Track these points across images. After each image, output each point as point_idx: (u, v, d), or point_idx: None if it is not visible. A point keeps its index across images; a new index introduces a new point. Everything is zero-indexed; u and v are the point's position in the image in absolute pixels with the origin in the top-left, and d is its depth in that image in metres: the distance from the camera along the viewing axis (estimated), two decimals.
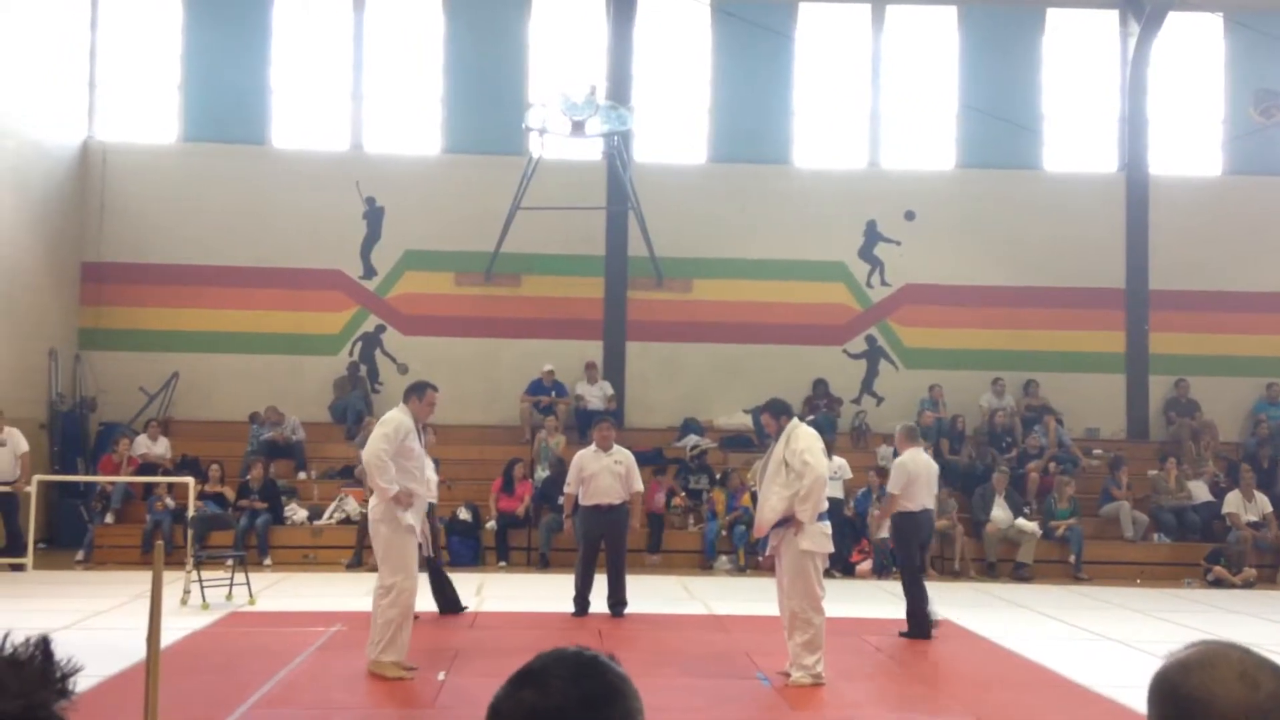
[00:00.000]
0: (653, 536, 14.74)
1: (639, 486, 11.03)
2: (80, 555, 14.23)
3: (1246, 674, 1.50)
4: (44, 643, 1.29)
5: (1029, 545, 15.02)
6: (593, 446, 11.03)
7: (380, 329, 17.50)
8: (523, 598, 11.39)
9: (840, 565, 14.47)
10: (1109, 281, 18.11)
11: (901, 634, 9.88)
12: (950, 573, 14.90)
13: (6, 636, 1.31)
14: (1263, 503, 15.63)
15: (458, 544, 14.60)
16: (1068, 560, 15.10)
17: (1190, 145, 18.63)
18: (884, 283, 18.05)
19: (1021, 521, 15.22)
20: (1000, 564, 15.07)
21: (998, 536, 15.18)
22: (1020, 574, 14.85)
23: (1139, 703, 1.63)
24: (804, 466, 7.81)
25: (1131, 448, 17.39)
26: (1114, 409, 18.03)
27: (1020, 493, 15.84)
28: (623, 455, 10.92)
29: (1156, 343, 18.07)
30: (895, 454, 10.78)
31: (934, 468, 10.44)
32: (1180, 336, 18.00)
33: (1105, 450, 17.11)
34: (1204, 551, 15.13)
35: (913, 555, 10.21)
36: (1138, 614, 11.96)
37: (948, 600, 12.38)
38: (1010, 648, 9.46)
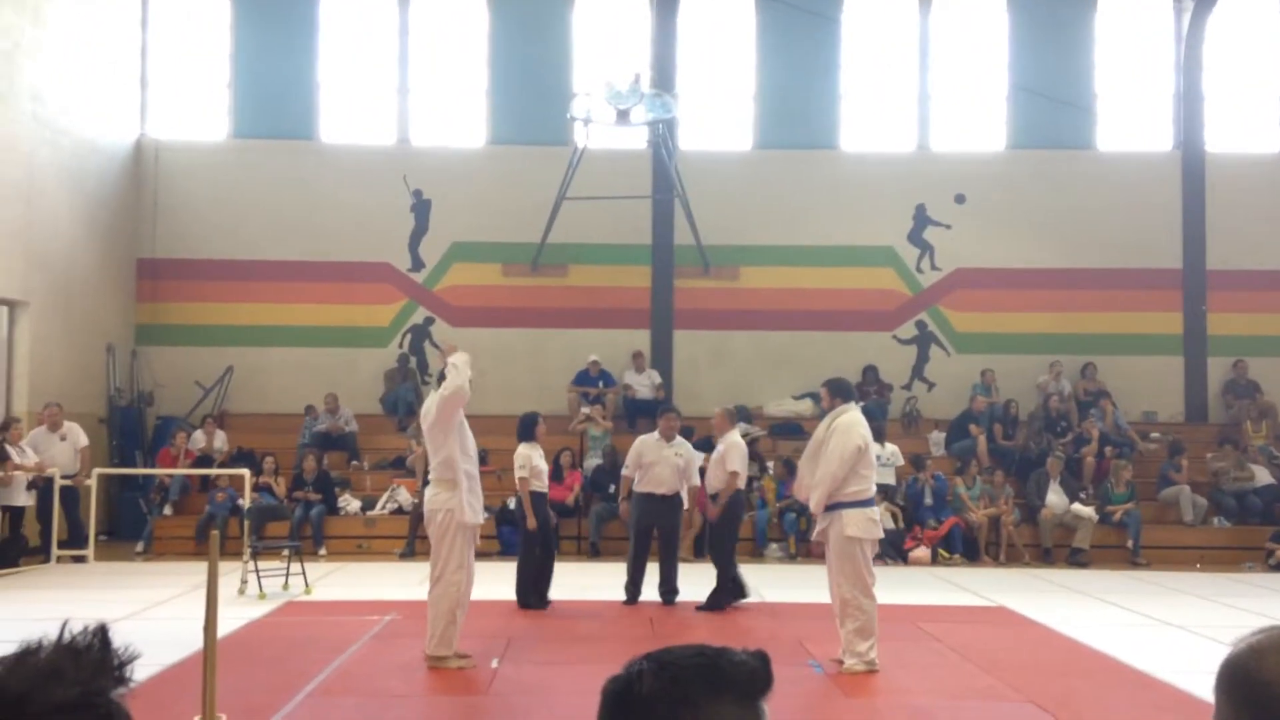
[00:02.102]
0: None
1: (697, 480, 10.91)
2: (140, 547, 14.48)
3: None
4: (102, 630, 1.30)
5: (1085, 530, 14.82)
6: (655, 434, 10.97)
7: (429, 321, 17.61)
8: (573, 586, 11.41)
9: (894, 551, 14.38)
10: (1165, 262, 17.79)
11: (700, 608, 10.21)
12: (1006, 558, 14.73)
13: (65, 624, 1.32)
14: None
15: (508, 534, 14.63)
16: (1125, 545, 14.88)
17: (1247, 122, 18.23)
18: (934, 267, 17.85)
19: (1078, 506, 15.02)
20: (1056, 550, 14.87)
21: (1053, 522, 14.99)
22: (1077, 559, 14.65)
23: (1200, 688, 1.59)
24: (829, 452, 7.80)
25: (1190, 430, 17.08)
26: (1172, 391, 17.72)
27: (1076, 477, 15.63)
28: (684, 448, 10.87)
29: (1214, 323, 17.72)
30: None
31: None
32: (1238, 317, 17.63)
33: (1163, 433, 16.82)
34: (1266, 535, 14.84)
35: (736, 532, 10.71)
36: (1198, 599, 11.76)
37: (1004, 586, 12.27)
38: (1068, 634, 9.33)
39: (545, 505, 10.70)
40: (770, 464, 15.66)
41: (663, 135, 16.38)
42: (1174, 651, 8.68)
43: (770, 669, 1.44)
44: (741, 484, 10.78)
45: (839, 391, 8.23)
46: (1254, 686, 1.45)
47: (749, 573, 12.79)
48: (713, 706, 1.38)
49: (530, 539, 10.39)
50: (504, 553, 14.28)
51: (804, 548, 14.16)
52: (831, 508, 7.88)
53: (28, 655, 1.27)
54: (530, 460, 10.42)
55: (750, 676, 1.42)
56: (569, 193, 16.42)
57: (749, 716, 1.41)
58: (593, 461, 15.73)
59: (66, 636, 1.29)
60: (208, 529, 14.31)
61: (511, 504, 14.90)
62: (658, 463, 10.73)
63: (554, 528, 11.38)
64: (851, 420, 8.02)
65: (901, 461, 15.29)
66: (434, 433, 7.75)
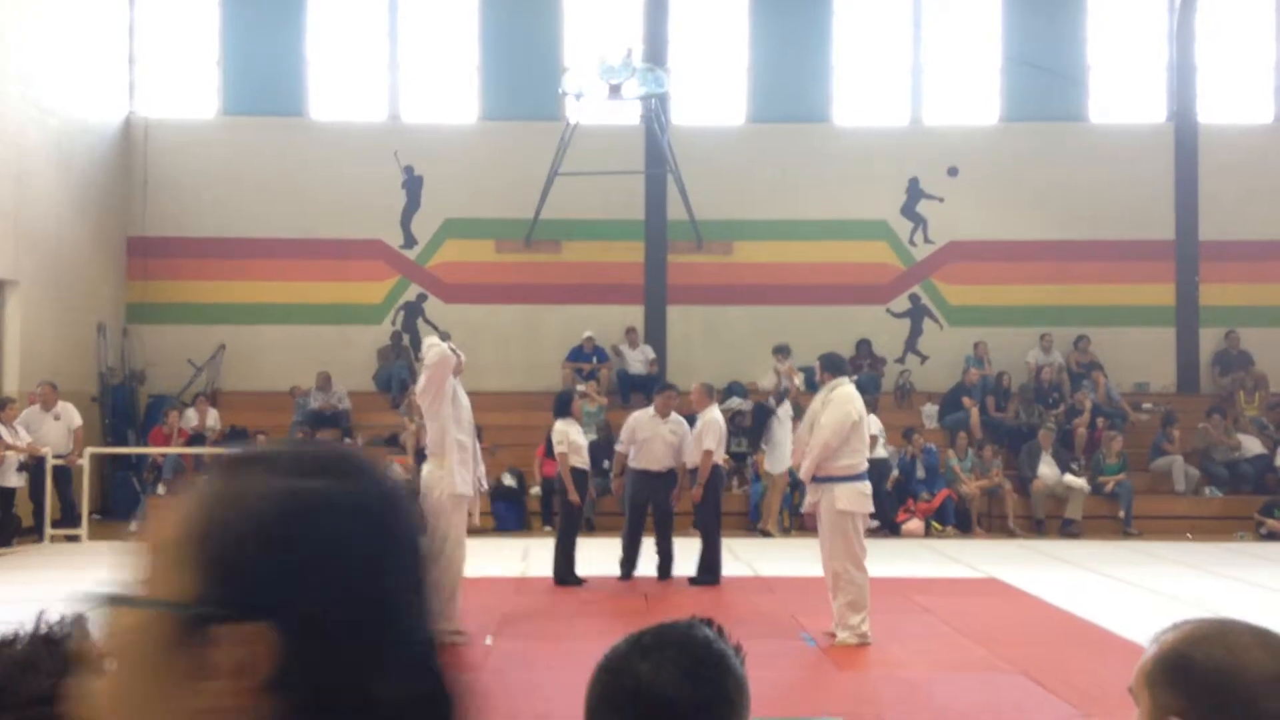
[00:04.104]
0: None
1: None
2: (134, 526, 14.48)
3: (1264, 641, 1.46)
4: (80, 621, 1.30)
5: (1077, 501, 14.89)
6: (650, 410, 10.98)
7: (422, 298, 17.58)
8: None
9: (887, 525, 14.44)
10: (1158, 233, 17.79)
11: (693, 581, 10.32)
12: (999, 530, 14.81)
13: (40, 615, 1.32)
14: None
15: (503, 509, 14.71)
16: (1117, 516, 14.96)
17: (1240, 92, 18.18)
18: (927, 240, 17.84)
19: (1069, 478, 15.08)
20: (1049, 521, 14.94)
21: (1045, 493, 15.06)
22: (1069, 530, 14.73)
23: None
24: (821, 423, 7.85)
25: (1182, 401, 17.14)
26: (1164, 362, 17.76)
27: (1068, 449, 15.69)
28: (679, 425, 10.88)
29: (1207, 294, 17.73)
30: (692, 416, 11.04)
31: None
32: (1231, 287, 17.65)
33: (1155, 404, 16.87)
34: (1256, 504, 14.92)
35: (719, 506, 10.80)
36: (1189, 568, 11.83)
37: (996, 557, 12.34)
38: (1060, 604, 9.39)
39: (586, 481, 10.80)
40: (739, 440, 15.66)
41: (655, 110, 16.31)
42: (1165, 621, 8.72)
43: (737, 646, 1.46)
44: (719, 460, 10.79)
45: (832, 366, 8.27)
46: (1201, 676, 1.44)
47: (743, 546, 12.87)
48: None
49: (570, 515, 10.45)
50: (499, 529, 14.34)
51: (797, 521, 14.21)
52: (823, 481, 7.92)
53: (3, 647, 1.27)
54: (569, 436, 10.51)
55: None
56: (562, 168, 16.36)
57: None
58: (588, 437, 15.70)
59: (43, 627, 1.29)
60: None
61: (509, 481, 14.97)
62: (652, 439, 10.75)
63: (591, 504, 11.53)
64: (845, 394, 8.06)
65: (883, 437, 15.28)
66: (424, 400, 7.77)
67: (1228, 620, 1.53)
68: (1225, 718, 1.42)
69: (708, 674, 1.41)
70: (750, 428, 15.45)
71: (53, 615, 1.32)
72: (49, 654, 1.28)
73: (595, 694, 1.44)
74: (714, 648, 1.45)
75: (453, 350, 7.76)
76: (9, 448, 12.98)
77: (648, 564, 10.67)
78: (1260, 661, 1.44)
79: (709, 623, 1.49)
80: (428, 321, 17.45)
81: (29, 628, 1.32)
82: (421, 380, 7.86)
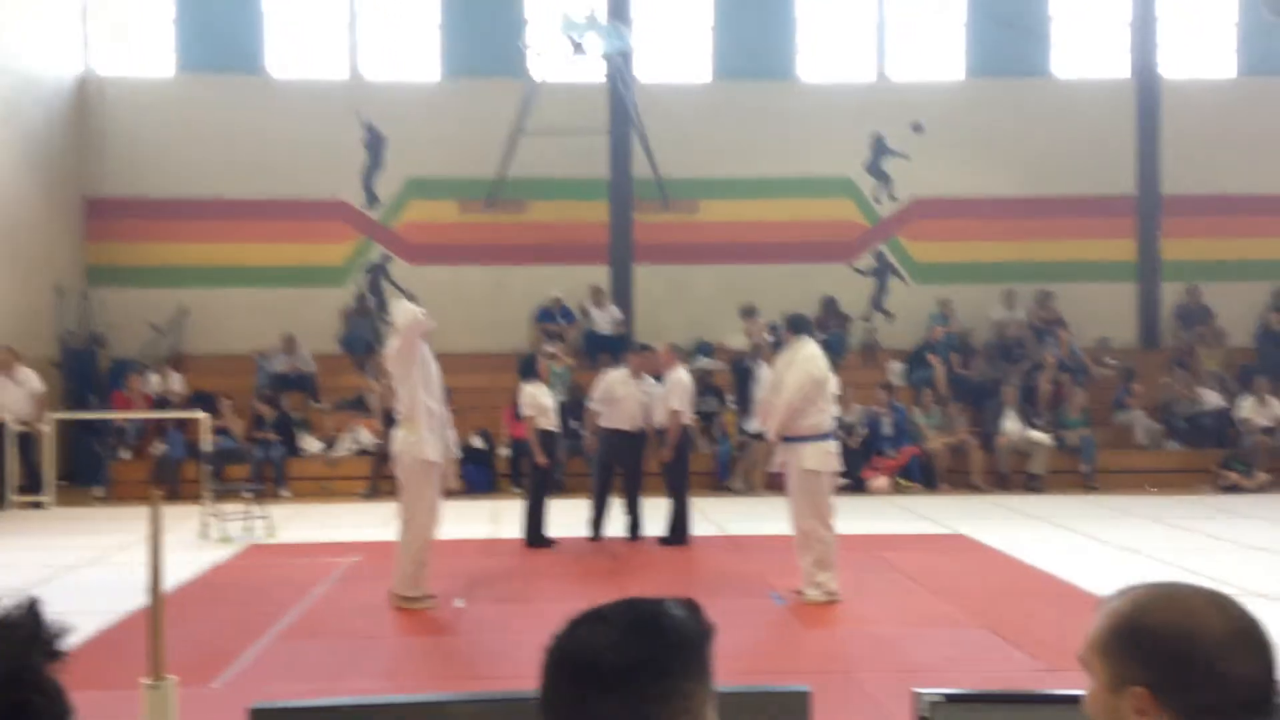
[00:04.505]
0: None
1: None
2: (99, 491, 14.37)
3: (1214, 602, 1.48)
4: (32, 605, 1.28)
5: (1040, 456, 15.07)
6: (624, 370, 10.97)
7: (386, 259, 17.43)
8: None
9: (853, 481, 14.55)
10: (1120, 189, 17.90)
11: (663, 541, 10.37)
12: (964, 486, 14.97)
13: None
14: (1275, 407, 15.61)
15: (472, 471, 14.67)
16: (1079, 470, 15.15)
17: (1202, 48, 18.25)
18: (892, 198, 17.86)
19: (1033, 432, 15.25)
20: (1013, 475, 15.12)
21: (1009, 448, 15.22)
22: (1033, 485, 14.91)
23: None
24: (786, 383, 7.89)
25: (1143, 356, 17.34)
26: (1125, 318, 17.94)
27: (1031, 404, 15.85)
28: (651, 386, 10.87)
29: (1168, 249, 17.90)
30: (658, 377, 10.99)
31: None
32: (1192, 242, 17.82)
33: (1117, 359, 17.06)
34: (1216, 458, 15.16)
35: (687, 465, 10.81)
36: (1151, 521, 12.03)
37: (962, 513, 12.49)
38: (1025, 559, 9.52)
39: (554, 443, 10.80)
40: (730, 398, 15.73)
41: (619, 67, 16.16)
42: (1128, 574, 8.87)
43: (703, 620, 1.45)
44: (687, 420, 10.84)
45: (795, 325, 8.30)
46: (1159, 641, 1.45)
47: (712, 506, 12.95)
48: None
49: (540, 477, 10.45)
50: (468, 491, 14.32)
51: (764, 477, 14.28)
52: (789, 440, 7.96)
53: None
54: (536, 398, 10.52)
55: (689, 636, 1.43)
56: (526, 127, 16.20)
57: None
58: (556, 398, 15.69)
59: None
60: (162, 471, 14.25)
61: (477, 442, 14.94)
62: (625, 399, 10.75)
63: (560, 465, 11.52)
64: (809, 354, 8.09)
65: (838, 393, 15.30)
66: (395, 365, 7.72)
67: (1175, 584, 1.54)
68: (1186, 682, 1.43)
69: (641, 639, 1.39)
70: (735, 387, 15.56)
71: (6, 600, 1.30)
72: (3, 640, 1.27)
73: (544, 659, 1.44)
74: (660, 615, 1.42)
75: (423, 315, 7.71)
76: None
77: (618, 525, 10.71)
78: (1215, 622, 1.45)
79: (688, 603, 1.47)
80: (392, 283, 17.30)
81: None
82: (393, 344, 7.79)
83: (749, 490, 14.55)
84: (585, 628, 1.43)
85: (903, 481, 14.97)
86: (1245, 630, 1.45)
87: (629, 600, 1.47)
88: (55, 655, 1.30)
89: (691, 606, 1.48)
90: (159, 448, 14.60)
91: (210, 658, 6.40)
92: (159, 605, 3.75)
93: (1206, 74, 18.17)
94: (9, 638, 1.27)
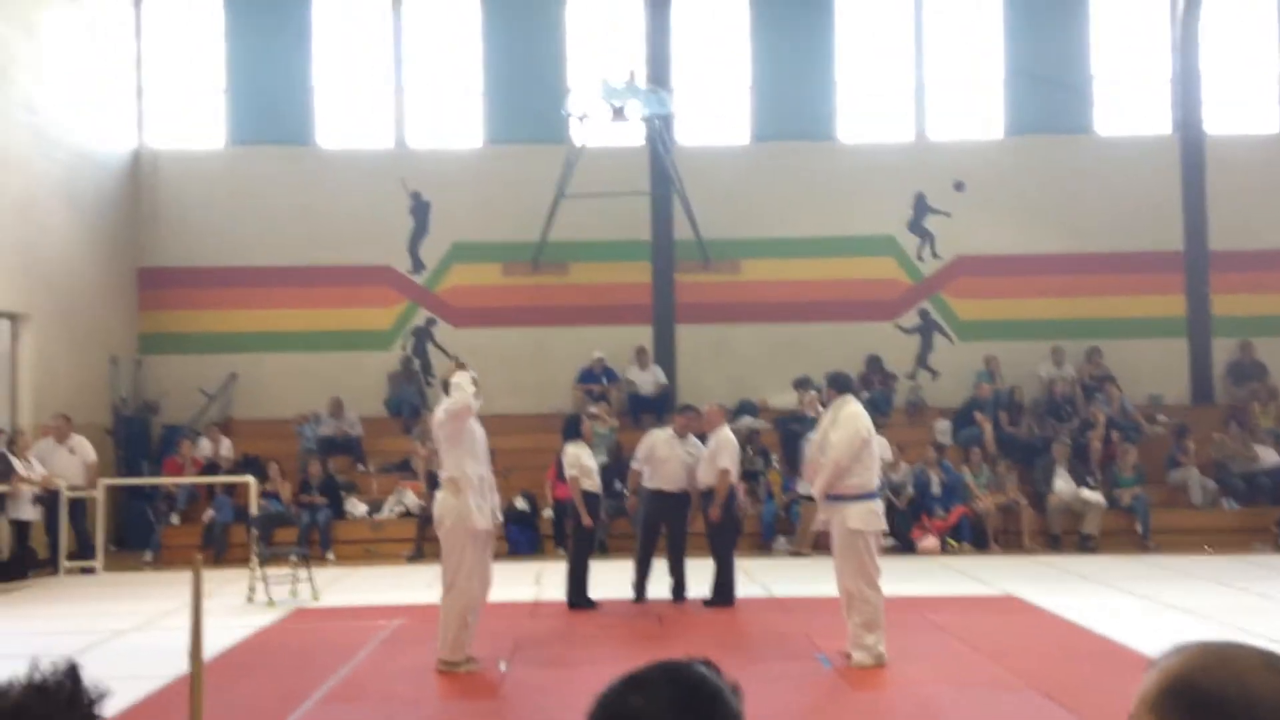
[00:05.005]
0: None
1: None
2: (148, 556, 14.51)
3: (1271, 665, 1.43)
4: (71, 669, 1.30)
5: (1094, 515, 14.79)
6: (668, 430, 10.95)
7: (431, 322, 17.61)
8: None
9: (902, 542, 14.38)
10: (1167, 244, 17.72)
11: (707, 603, 10.29)
12: (1015, 546, 14.71)
13: (34, 663, 1.32)
14: None
15: (516, 533, 14.68)
16: (1134, 530, 14.85)
17: (1246, 102, 18.15)
18: (935, 255, 17.81)
19: (1085, 492, 14.99)
20: (1065, 536, 14.85)
21: (1061, 508, 14.96)
22: (1086, 545, 14.63)
23: None
24: (833, 442, 7.83)
25: (1196, 413, 17.03)
26: (1177, 374, 17.66)
27: (1083, 463, 15.59)
28: (695, 446, 10.84)
29: (1218, 305, 17.65)
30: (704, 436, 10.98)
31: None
32: (1242, 297, 17.56)
33: (1169, 417, 16.77)
34: (1274, 516, 14.80)
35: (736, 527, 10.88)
36: (1207, 582, 11.74)
37: (1013, 574, 12.27)
38: (1078, 621, 9.32)
39: (598, 504, 10.81)
40: (775, 457, 15.64)
41: (659, 130, 16.35)
42: (1183, 636, 8.64)
43: (731, 684, 1.48)
44: (734, 480, 10.78)
45: (838, 384, 8.26)
46: (1211, 705, 1.41)
47: (757, 567, 12.83)
48: None
49: (583, 538, 10.44)
50: (512, 553, 14.31)
51: (811, 538, 14.12)
52: (834, 500, 7.89)
53: None
54: (579, 459, 10.54)
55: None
56: (567, 190, 16.41)
57: None
58: (599, 459, 15.69)
59: (36, 676, 1.30)
60: (210, 536, 14.38)
61: (521, 504, 14.95)
62: (669, 459, 10.72)
63: (603, 526, 11.54)
64: (853, 412, 8.05)
65: (890, 457, 15.16)
66: (441, 433, 7.83)
67: (1231, 643, 1.50)
68: None
69: (699, 708, 1.42)
70: (781, 446, 15.54)
71: (45, 664, 1.32)
72: (42, 703, 1.28)
73: None
74: (708, 683, 1.47)
75: (475, 392, 7.78)
76: (23, 480, 13.02)
77: (661, 586, 10.63)
78: (1269, 686, 1.41)
79: (706, 662, 1.50)
80: (438, 346, 17.47)
81: (23, 676, 1.32)
82: (440, 414, 7.90)
83: (796, 551, 14.38)
84: (634, 696, 1.43)
85: (952, 542, 14.74)
86: None
87: (674, 666, 1.49)
88: (94, 718, 1.32)
89: (717, 669, 1.51)
90: (208, 513, 14.74)
91: None
92: (199, 670, 3.77)
93: (1250, 129, 18.04)
94: (49, 700, 1.29)
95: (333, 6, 17.91)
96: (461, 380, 7.88)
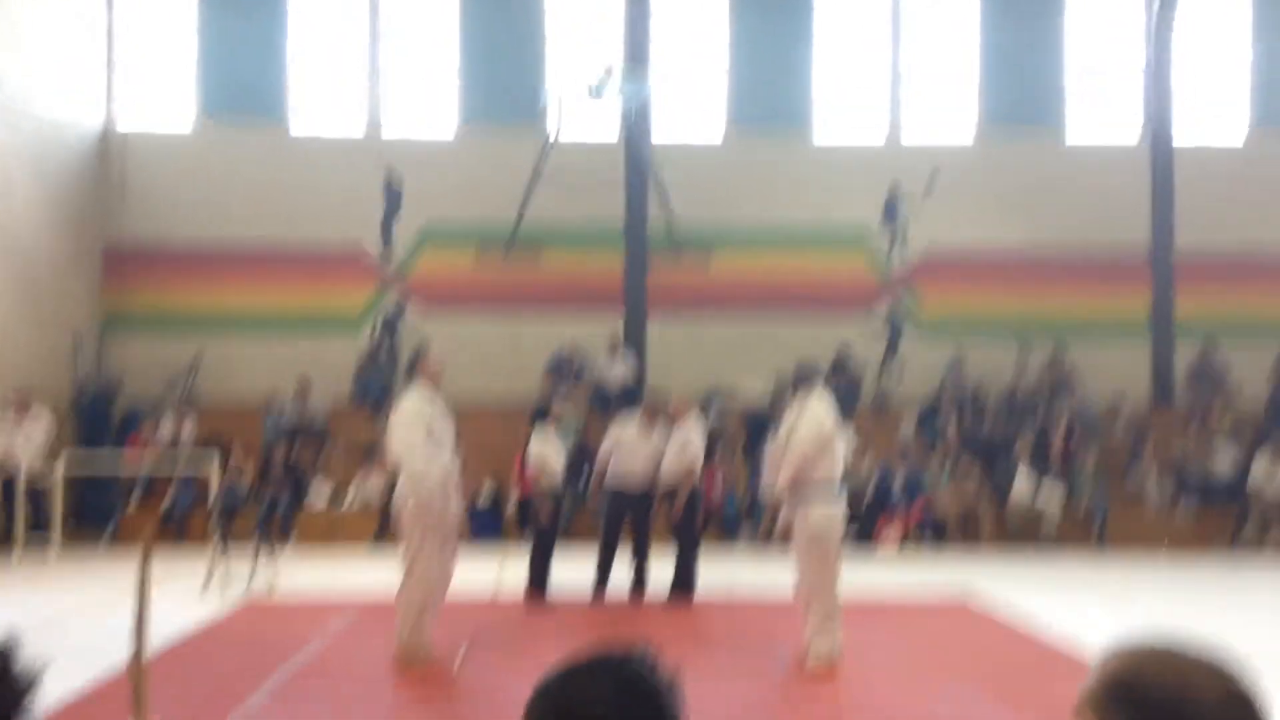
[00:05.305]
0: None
1: (689, 461, 10.54)
2: (107, 536, 14.37)
3: (1211, 662, 1.45)
4: (7, 645, 1.30)
5: (1052, 514, 14.94)
6: (634, 421, 10.84)
7: (401, 307, 17.52)
8: None
9: (863, 537, 14.47)
10: (1133, 247, 17.89)
11: (669, 594, 10.41)
12: (975, 543, 14.83)
13: None
14: None
15: (482, 521, 14.64)
16: (1092, 528, 15.01)
17: (1216, 109, 18.31)
18: (905, 252, 17.89)
19: (1045, 490, 15.12)
20: (1024, 533, 14.98)
21: (1021, 506, 15.10)
22: (1044, 543, 14.76)
23: None
24: (797, 434, 7.81)
25: (1157, 415, 17.22)
26: (1139, 376, 17.84)
27: (1044, 462, 15.73)
28: (661, 438, 10.81)
29: (1182, 308, 17.85)
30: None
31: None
32: (1206, 301, 17.76)
33: (1130, 418, 16.94)
34: (1231, 518, 14.99)
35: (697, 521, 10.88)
36: (1164, 581, 11.88)
37: (972, 571, 12.37)
38: (1035, 621, 9.40)
39: (559, 501, 10.88)
40: (740, 447, 15.70)
41: (635, 120, 16.32)
42: (1135, 634, 8.75)
43: (660, 675, 1.48)
44: (698, 474, 10.79)
45: (803, 376, 8.25)
46: (1154, 704, 1.43)
47: (719, 559, 12.87)
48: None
49: (543, 533, 10.48)
50: (476, 537, 14.25)
51: (775, 531, 14.16)
52: (798, 495, 7.89)
53: None
54: (543, 458, 10.59)
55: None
56: (542, 177, 16.35)
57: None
58: (566, 443, 15.68)
59: None
60: (171, 520, 14.28)
61: (486, 491, 14.92)
62: (635, 451, 10.70)
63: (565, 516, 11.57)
64: (819, 405, 8.03)
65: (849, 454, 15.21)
66: (394, 447, 7.74)
67: (1172, 641, 1.51)
68: None
69: (637, 698, 1.42)
70: (747, 438, 15.57)
71: None
72: None
73: (529, 716, 1.45)
74: (647, 673, 1.46)
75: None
76: None
77: (622, 579, 10.64)
78: (1209, 683, 1.43)
79: (646, 651, 1.50)
80: (406, 331, 17.37)
81: None
82: (397, 432, 7.74)
83: (758, 544, 14.44)
84: (573, 687, 1.44)
85: (913, 538, 14.84)
86: (1238, 696, 1.43)
87: (613, 656, 1.49)
88: (24, 706, 1.31)
89: (658, 659, 1.51)
90: (169, 494, 14.62)
91: (203, 711, 6.37)
92: (142, 652, 3.74)
93: (1220, 131, 18.21)
94: None
95: None
96: (396, 422, 7.71)
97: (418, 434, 7.58)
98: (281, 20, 17.56)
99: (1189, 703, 1.42)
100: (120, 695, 6.20)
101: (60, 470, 13.83)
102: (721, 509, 14.84)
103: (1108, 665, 1.51)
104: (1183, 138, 18.06)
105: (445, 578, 7.87)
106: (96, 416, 16.28)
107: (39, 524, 13.66)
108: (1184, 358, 17.82)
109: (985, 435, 16.42)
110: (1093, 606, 10.47)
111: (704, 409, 16.33)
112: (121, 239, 17.25)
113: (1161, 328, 17.85)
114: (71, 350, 16.22)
